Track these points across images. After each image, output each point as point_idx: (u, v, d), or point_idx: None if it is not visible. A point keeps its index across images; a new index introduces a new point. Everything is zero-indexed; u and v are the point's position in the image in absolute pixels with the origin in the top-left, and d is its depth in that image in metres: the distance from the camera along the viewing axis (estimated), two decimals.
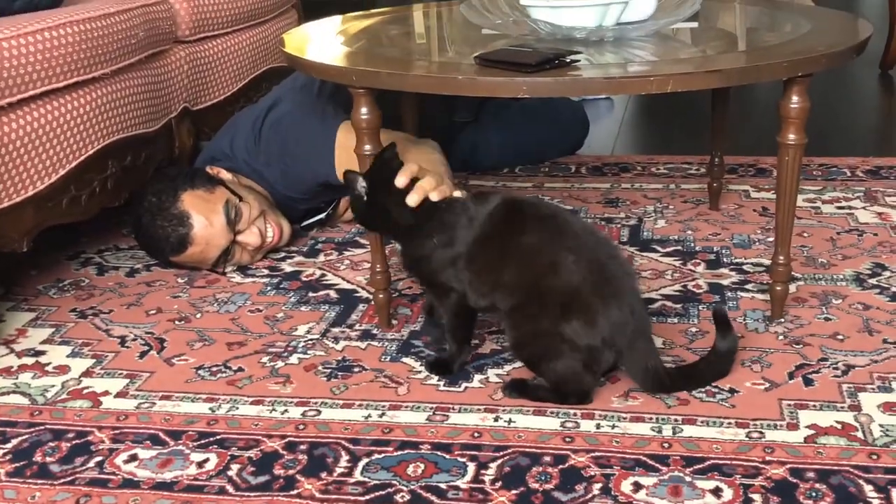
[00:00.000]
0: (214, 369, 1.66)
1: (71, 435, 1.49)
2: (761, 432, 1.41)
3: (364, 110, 1.67)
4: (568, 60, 1.56)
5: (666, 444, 1.39)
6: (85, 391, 1.61)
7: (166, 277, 2.04)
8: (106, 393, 1.60)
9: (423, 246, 1.57)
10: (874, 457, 1.34)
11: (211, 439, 1.46)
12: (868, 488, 1.28)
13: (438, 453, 1.40)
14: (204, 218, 1.98)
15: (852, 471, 1.31)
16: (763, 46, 1.75)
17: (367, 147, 1.69)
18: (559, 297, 1.45)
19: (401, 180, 1.58)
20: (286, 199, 2.19)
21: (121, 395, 1.60)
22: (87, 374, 1.67)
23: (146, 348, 1.75)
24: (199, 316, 1.86)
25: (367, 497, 1.31)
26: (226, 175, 2.10)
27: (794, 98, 1.59)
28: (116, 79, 2.03)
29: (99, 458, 1.43)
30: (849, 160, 2.57)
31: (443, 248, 1.55)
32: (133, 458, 1.42)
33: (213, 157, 2.19)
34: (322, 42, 1.90)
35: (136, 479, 1.37)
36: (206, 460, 1.41)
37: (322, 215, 2.24)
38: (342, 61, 1.71)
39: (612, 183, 2.51)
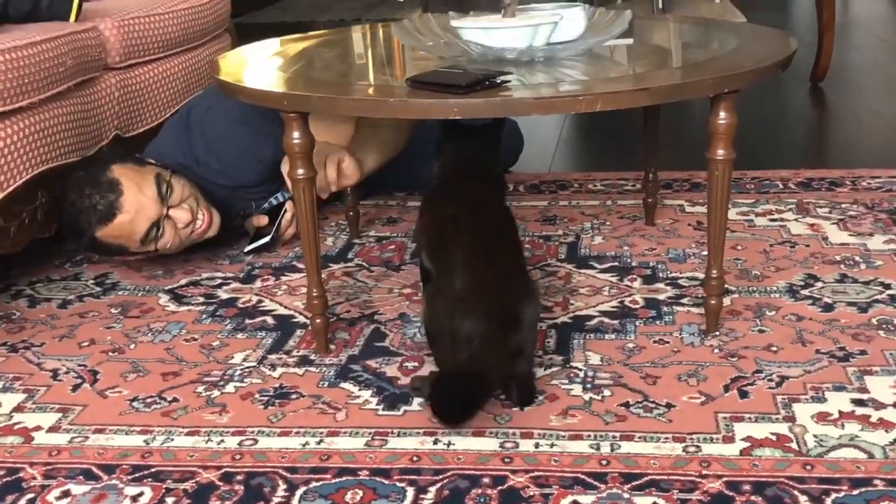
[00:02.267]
0: (149, 400, 1.63)
1: (1, 472, 1.45)
2: (698, 446, 1.42)
3: (296, 134, 1.67)
4: (498, 81, 1.56)
5: (604, 462, 1.39)
6: (16, 427, 1.58)
7: (99, 308, 2.01)
8: (38, 428, 1.57)
9: None
10: (808, 467, 1.36)
11: (145, 472, 1.43)
12: (803, 499, 1.29)
13: (377, 479, 1.38)
14: (135, 185, 1.98)
15: (787, 482, 1.33)
16: (691, 63, 1.77)
17: (300, 171, 1.68)
18: (442, 289, 1.56)
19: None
20: (228, 199, 2.22)
21: (53, 429, 1.57)
22: (19, 409, 1.63)
23: (79, 381, 1.71)
24: (132, 346, 1.84)
25: None
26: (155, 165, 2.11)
27: (722, 114, 1.61)
28: (45, 107, 2.00)
29: (30, 496, 1.39)
30: (781, 172, 2.61)
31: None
32: (66, 494, 1.40)
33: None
34: (254, 66, 1.89)
35: None
36: (141, 494, 1.38)
37: (266, 238, 2.23)
38: (272, 86, 1.70)
39: (550, 200, 2.52)
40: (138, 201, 1.98)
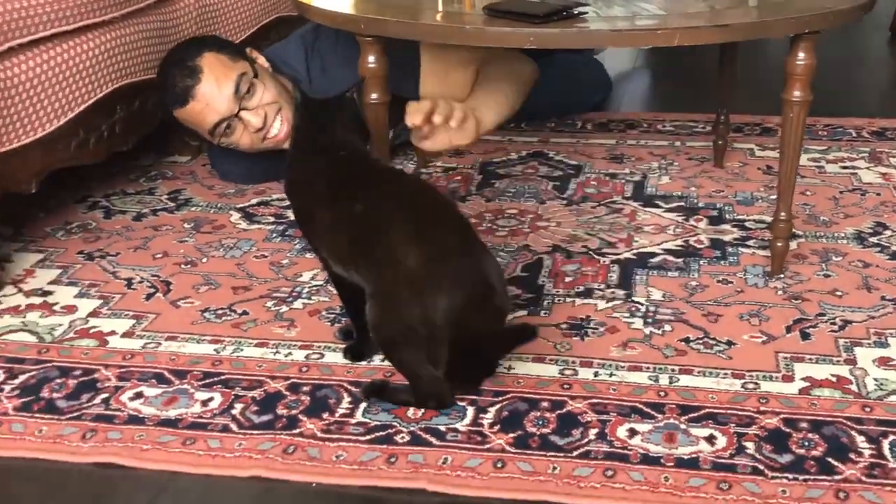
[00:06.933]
0: (220, 312, 1.68)
1: (78, 372, 1.51)
2: (757, 383, 1.43)
3: (371, 58, 1.69)
4: (575, 12, 1.57)
5: (662, 393, 1.41)
6: (91, 331, 1.64)
7: (173, 222, 2.06)
8: (112, 333, 1.63)
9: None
10: (867, 409, 1.36)
11: (215, 379, 1.48)
12: (860, 439, 1.30)
13: None
14: (214, 78, 2.02)
15: (845, 422, 1.34)
16: (772, 2, 1.75)
17: (374, 95, 1.71)
18: (397, 277, 1.34)
19: (416, 118, 1.72)
20: None
21: (127, 335, 1.62)
22: (94, 314, 1.69)
23: (152, 290, 1.77)
24: (204, 260, 1.88)
25: (368, 437, 1.33)
26: (262, 61, 2.15)
27: (801, 55, 1.60)
28: (126, 23, 2.04)
29: (105, 395, 1.45)
30: (855, 121, 2.58)
31: (296, 197, 1.53)
32: (138, 395, 1.45)
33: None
34: None
35: (141, 415, 1.40)
36: (211, 399, 1.43)
37: None
38: (351, 8, 1.72)
39: (618, 139, 2.51)
40: (212, 94, 2.02)
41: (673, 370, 1.47)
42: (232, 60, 2.05)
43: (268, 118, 2.07)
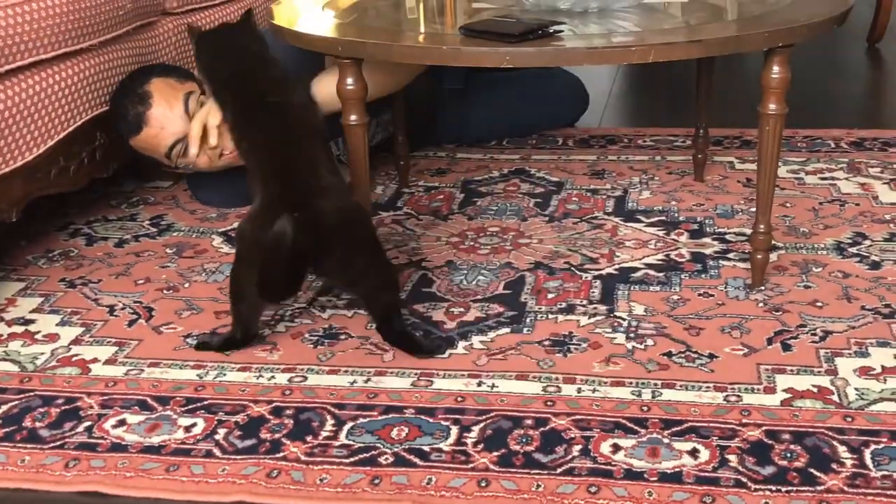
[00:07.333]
0: (202, 337, 1.68)
1: (60, 401, 1.51)
2: (739, 396, 1.44)
3: (350, 80, 1.69)
4: (551, 31, 1.58)
5: (645, 408, 1.42)
6: (74, 359, 1.63)
7: (155, 248, 2.06)
8: (95, 360, 1.62)
9: None
10: (848, 419, 1.37)
11: (198, 405, 1.48)
12: (842, 449, 1.30)
13: (422, 417, 1.42)
14: (164, 101, 2.03)
15: (827, 432, 1.34)
16: (746, 17, 1.77)
17: (353, 117, 1.71)
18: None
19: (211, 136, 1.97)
20: None
21: (109, 362, 1.62)
22: (76, 342, 1.69)
23: (134, 317, 1.77)
24: (186, 285, 1.88)
25: (352, 459, 1.33)
26: None
27: (775, 68, 1.61)
28: (104, 50, 2.04)
29: (88, 424, 1.45)
30: (833, 132, 2.59)
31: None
32: (121, 423, 1.45)
33: None
34: (309, 13, 1.92)
35: (124, 443, 1.40)
36: (194, 425, 1.43)
37: None
38: (328, 32, 1.73)
39: (599, 155, 2.53)
40: (164, 116, 2.03)
41: (655, 384, 1.48)
42: (179, 82, 2.07)
43: (220, 135, 2.07)
